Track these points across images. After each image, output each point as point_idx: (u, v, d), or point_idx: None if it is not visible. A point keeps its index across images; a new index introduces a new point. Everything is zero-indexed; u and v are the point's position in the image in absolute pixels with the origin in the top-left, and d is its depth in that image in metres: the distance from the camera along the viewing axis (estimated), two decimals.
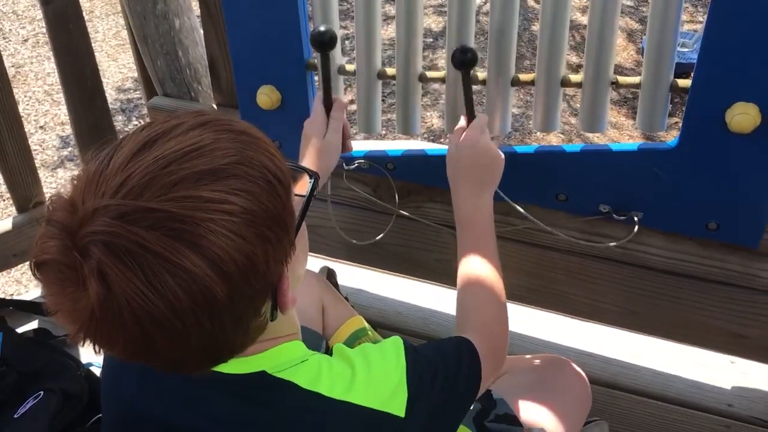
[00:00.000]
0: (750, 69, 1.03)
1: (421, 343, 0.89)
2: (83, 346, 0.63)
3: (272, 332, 0.73)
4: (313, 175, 0.77)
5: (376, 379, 0.75)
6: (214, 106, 1.55)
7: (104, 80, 4.63)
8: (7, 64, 5.10)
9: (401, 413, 0.75)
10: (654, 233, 1.27)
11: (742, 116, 1.05)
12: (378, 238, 1.45)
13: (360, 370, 0.75)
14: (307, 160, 1.15)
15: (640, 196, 1.21)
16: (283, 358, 0.74)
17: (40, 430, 1.28)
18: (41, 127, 4.20)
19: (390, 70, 1.28)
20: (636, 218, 1.23)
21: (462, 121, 1.15)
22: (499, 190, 1.17)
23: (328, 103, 1.19)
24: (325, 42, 1.13)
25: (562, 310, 1.45)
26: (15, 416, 1.33)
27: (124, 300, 0.58)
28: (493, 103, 1.22)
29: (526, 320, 1.56)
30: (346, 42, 4.29)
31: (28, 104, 4.38)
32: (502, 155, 1.12)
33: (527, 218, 1.28)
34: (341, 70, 1.31)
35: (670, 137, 3.35)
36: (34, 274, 0.62)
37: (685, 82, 1.10)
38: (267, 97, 1.36)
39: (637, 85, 1.14)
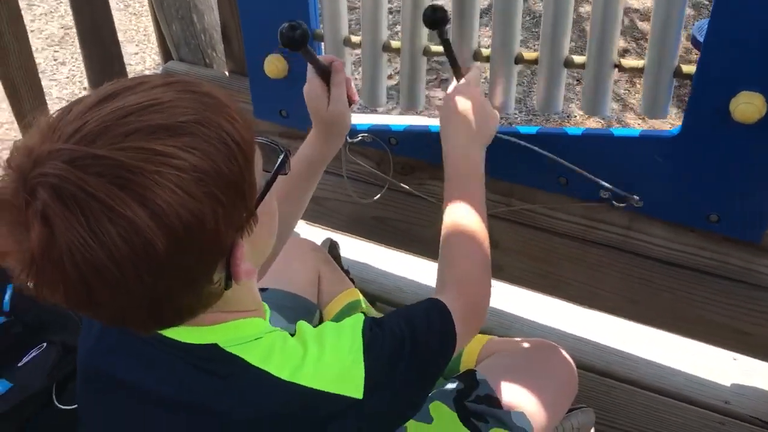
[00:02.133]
0: (756, 57, 0.99)
1: (392, 312, 0.88)
2: (30, 287, 0.62)
3: (232, 305, 0.73)
4: (283, 150, 0.76)
5: (327, 360, 0.74)
6: (227, 74, 1.57)
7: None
8: (56, 25, 5.17)
9: (357, 394, 0.73)
10: (655, 222, 1.24)
11: (747, 106, 1.01)
12: (373, 200, 1.44)
13: (312, 351, 0.74)
14: (315, 135, 1.11)
15: (641, 184, 1.19)
16: (238, 333, 0.74)
17: (39, 380, 1.32)
18: (85, 88, 4.29)
19: (395, 44, 1.27)
20: (636, 205, 1.20)
21: (454, 82, 1.14)
22: None
23: (325, 72, 1.09)
24: (295, 39, 1.01)
25: (560, 295, 1.44)
26: (18, 365, 1.37)
27: (65, 245, 0.58)
28: (495, 80, 1.21)
29: (523, 303, 1.54)
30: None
31: (73, 65, 4.47)
32: (496, 112, 1.13)
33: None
34: (346, 42, 1.30)
35: None
36: None
37: (689, 68, 1.07)
38: (274, 65, 1.36)
39: (641, 69, 1.11)
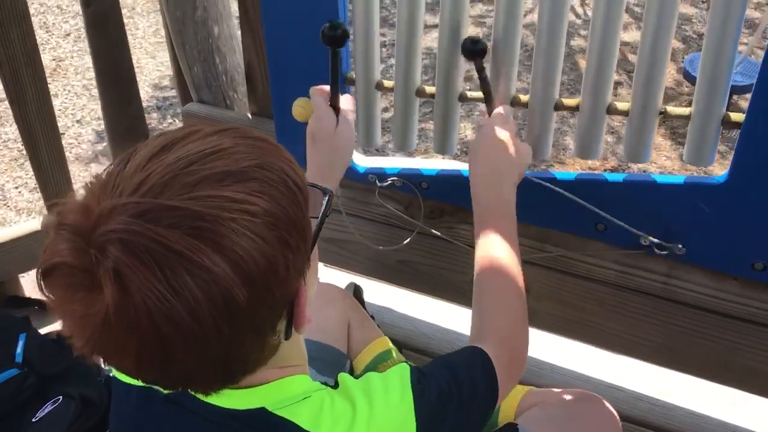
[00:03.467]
0: None
1: (433, 360, 0.86)
2: (91, 359, 0.60)
3: (281, 360, 0.70)
4: (327, 192, 0.75)
5: (378, 417, 0.72)
6: (249, 116, 1.54)
7: (141, 77, 4.68)
8: (48, 57, 5.12)
9: None
10: (695, 269, 1.21)
11: None
12: (402, 245, 1.41)
13: (361, 408, 0.72)
14: (319, 158, 1.09)
15: (683, 231, 1.16)
16: (285, 393, 0.71)
17: None
18: (78, 121, 4.24)
19: (429, 89, 1.25)
20: (678, 253, 1.18)
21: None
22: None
23: (335, 103, 1.12)
24: (336, 37, 1.05)
25: (595, 342, 1.40)
26: (33, 420, 1.32)
27: (141, 301, 0.55)
28: (534, 127, 1.18)
29: (557, 350, 1.51)
30: (383, 49, 4.27)
31: (66, 98, 4.43)
32: (529, 148, 1.10)
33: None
34: (378, 86, 1.28)
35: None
36: (39, 285, 0.59)
37: (738, 116, 1.05)
38: (302, 109, 1.32)
39: (687, 117, 1.09)
